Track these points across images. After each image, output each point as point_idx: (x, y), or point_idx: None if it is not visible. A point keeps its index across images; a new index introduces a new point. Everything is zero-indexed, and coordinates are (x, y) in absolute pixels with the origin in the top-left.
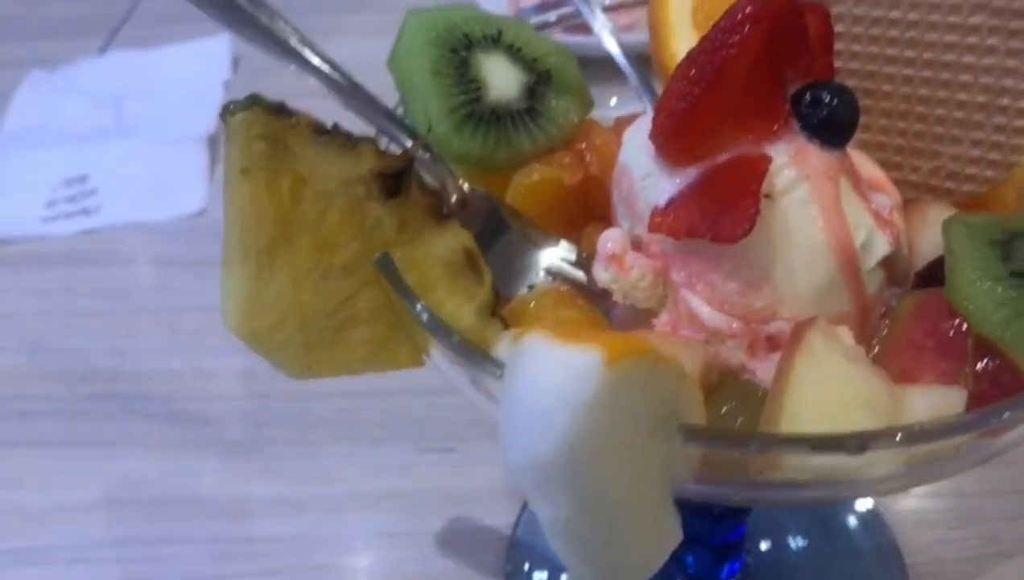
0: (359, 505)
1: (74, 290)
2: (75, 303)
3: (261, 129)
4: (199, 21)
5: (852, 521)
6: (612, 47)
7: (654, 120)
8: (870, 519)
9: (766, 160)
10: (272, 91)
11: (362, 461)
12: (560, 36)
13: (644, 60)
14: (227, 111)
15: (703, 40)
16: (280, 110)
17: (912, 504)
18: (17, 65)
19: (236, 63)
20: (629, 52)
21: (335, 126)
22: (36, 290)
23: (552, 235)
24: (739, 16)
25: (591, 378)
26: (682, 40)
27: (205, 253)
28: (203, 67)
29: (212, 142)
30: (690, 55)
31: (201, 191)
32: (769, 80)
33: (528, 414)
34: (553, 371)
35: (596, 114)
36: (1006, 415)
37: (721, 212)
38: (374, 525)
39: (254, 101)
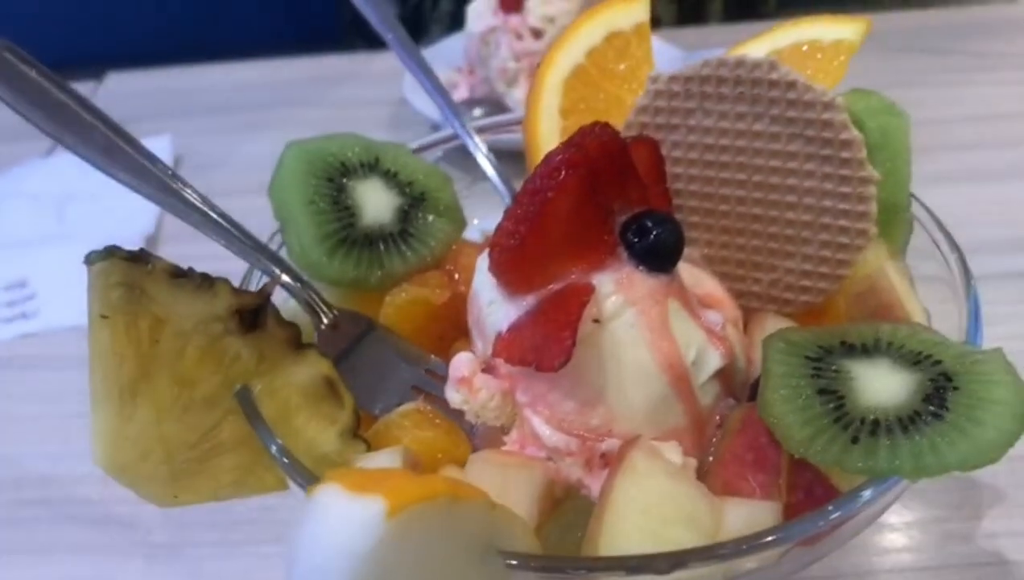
0: None
1: (11, 394)
2: (11, 408)
3: (119, 277)
4: (139, 121)
5: None
6: (488, 168)
7: (490, 255)
8: None
9: (588, 290)
10: (214, 187)
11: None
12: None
13: None
14: (87, 260)
15: (526, 182)
16: (137, 258)
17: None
18: None
19: (178, 161)
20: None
21: (190, 269)
22: None
23: (424, 352)
24: (556, 161)
25: (371, 530)
26: None
27: None
28: None
29: (150, 242)
30: (517, 196)
31: None
32: (594, 215)
33: (307, 569)
34: (333, 525)
35: None
36: (818, 525)
37: (544, 343)
38: None
39: (111, 252)
